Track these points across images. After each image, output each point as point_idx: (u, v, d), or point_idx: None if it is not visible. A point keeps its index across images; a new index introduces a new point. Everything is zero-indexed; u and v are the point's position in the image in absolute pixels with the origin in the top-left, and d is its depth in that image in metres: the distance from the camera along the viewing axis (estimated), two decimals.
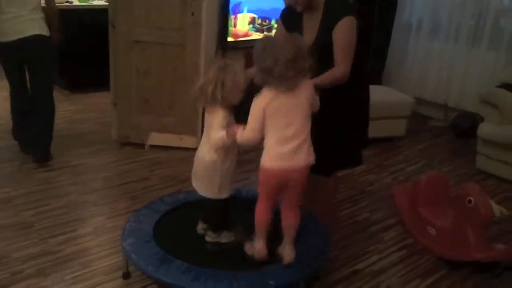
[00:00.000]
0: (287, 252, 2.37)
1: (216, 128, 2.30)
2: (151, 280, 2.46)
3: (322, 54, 2.46)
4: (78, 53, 5.36)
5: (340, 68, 2.52)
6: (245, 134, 2.23)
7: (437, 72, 5.27)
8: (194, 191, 2.53)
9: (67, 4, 5.32)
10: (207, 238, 2.58)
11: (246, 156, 3.71)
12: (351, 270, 2.74)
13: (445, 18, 5.17)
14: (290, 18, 2.69)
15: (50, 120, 3.75)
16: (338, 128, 2.70)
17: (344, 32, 2.51)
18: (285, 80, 2.13)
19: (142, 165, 3.82)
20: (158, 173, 3.71)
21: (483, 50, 4.89)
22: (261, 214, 2.35)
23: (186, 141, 4.04)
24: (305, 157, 2.25)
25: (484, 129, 4.02)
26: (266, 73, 2.14)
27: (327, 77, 2.50)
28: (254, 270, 2.32)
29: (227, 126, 2.29)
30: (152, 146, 4.11)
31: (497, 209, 2.78)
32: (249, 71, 2.41)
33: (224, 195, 2.45)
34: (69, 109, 4.94)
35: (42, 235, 2.84)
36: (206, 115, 2.39)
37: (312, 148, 2.29)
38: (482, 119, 4.24)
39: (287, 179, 2.27)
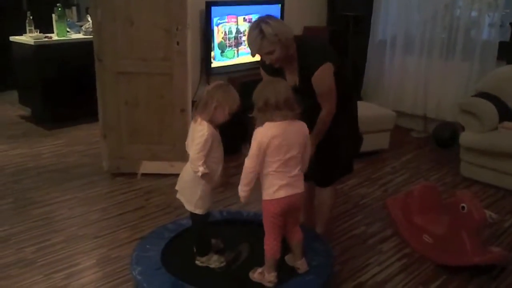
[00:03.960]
0: (302, 264, 2.56)
1: (196, 147, 2.41)
2: None
3: (305, 94, 2.61)
4: (60, 87, 5.38)
5: (325, 110, 2.69)
6: (248, 166, 2.36)
7: (414, 85, 5.44)
8: None
9: (46, 39, 5.33)
10: (196, 262, 2.64)
11: (232, 179, 3.80)
12: (355, 283, 2.80)
13: (418, 33, 5.35)
14: (270, 66, 2.75)
15: None
16: (335, 141, 2.81)
17: (321, 81, 2.64)
18: (285, 107, 2.30)
19: (136, 194, 3.84)
20: (153, 201, 3.74)
21: (457, 61, 5.08)
22: (273, 251, 2.44)
23: (177, 168, 4.02)
24: (302, 182, 2.44)
25: (466, 138, 4.17)
26: (266, 106, 2.30)
27: (321, 126, 2.70)
28: None
29: (213, 142, 2.43)
30: (143, 175, 4.14)
31: (487, 214, 2.90)
32: None
33: (200, 210, 2.54)
34: (55, 143, 4.93)
35: (46, 271, 2.83)
36: (191, 124, 2.51)
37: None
38: (461, 128, 4.39)
39: (292, 204, 2.41)
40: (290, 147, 2.33)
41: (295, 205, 2.43)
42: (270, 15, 2.65)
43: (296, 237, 2.53)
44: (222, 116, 2.45)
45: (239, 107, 2.49)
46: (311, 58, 2.65)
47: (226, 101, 2.43)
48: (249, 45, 2.61)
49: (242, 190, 2.39)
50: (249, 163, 2.35)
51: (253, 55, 2.65)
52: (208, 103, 2.43)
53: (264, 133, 2.31)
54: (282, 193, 2.35)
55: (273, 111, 2.30)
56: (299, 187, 2.41)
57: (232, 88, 2.52)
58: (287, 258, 2.61)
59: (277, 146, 2.30)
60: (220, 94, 2.43)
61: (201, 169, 2.39)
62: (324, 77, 2.63)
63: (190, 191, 2.53)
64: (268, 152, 2.31)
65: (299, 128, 2.39)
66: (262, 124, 2.34)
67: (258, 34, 2.52)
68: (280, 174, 2.34)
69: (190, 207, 2.55)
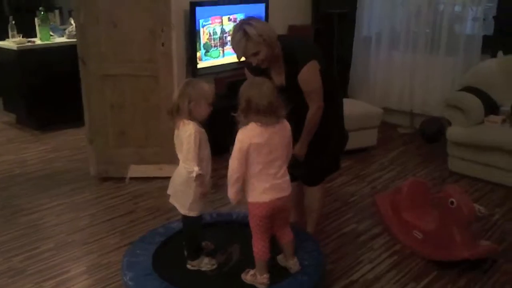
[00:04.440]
0: (294, 264, 2.56)
1: (186, 148, 2.39)
2: None
3: (292, 92, 2.58)
4: (44, 92, 5.33)
5: (313, 109, 2.69)
6: (230, 167, 2.34)
7: (400, 82, 5.45)
8: None
9: (29, 44, 5.27)
10: (188, 266, 2.63)
11: (222, 181, 3.80)
12: (347, 282, 2.80)
13: (402, 29, 5.37)
14: (256, 67, 2.71)
15: None
16: (322, 140, 2.81)
17: (308, 79, 2.64)
18: (267, 112, 2.26)
19: (125, 199, 3.81)
20: (142, 205, 3.71)
21: (442, 56, 5.10)
22: (262, 252, 2.44)
23: (166, 170, 4.03)
24: (289, 184, 2.43)
25: (453, 132, 4.19)
26: (248, 108, 2.27)
27: (311, 125, 2.70)
28: None
29: (199, 140, 2.40)
30: (132, 179, 4.11)
31: (476, 208, 2.91)
32: None
33: (194, 212, 2.53)
34: (41, 149, 4.88)
35: (36, 280, 2.80)
36: (175, 131, 2.48)
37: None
38: (448, 123, 4.42)
39: (278, 207, 2.40)
40: (273, 148, 2.32)
41: (281, 208, 2.42)
42: (252, 17, 2.64)
43: (287, 238, 2.52)
44: (203, 110, 2.43)
45: (214, 96, 2.48)
46: (297, 56, 2.64)
47: (199, 95, 2.41)
48: (234, 48, 2.59)
49: (230, 192, 2.38)
50: (232, 164, 2.34)
51: (239, 58, 2.63)
52: (182, 104, 2.40)
53: (246, 134, 2.30)
54: (267, 197, 2.34)
55: (256, 115, 2.28)
56: (285, 190, 2.40)
57: (199, 81, 2.50)
58: (279, 258, 2.61)
59: (258, 148, 2.29)
60: (191, 91, 2.41)
61: (196, 169, 2.37)
62: (310, 75, 2.63)
63: (183, 194, 2.51)
64: (250, 154, 2.30)
65: (282, 128, 2.37)
66: (245, 125, 2.32)
67: (242, 36, 2.51)
68: (264, 177, 2.33)
69: (184, 210, 2.53)
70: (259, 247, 2.42)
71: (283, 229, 2.52)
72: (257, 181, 2.34)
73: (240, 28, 2.53)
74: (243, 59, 2.64)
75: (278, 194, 2.37)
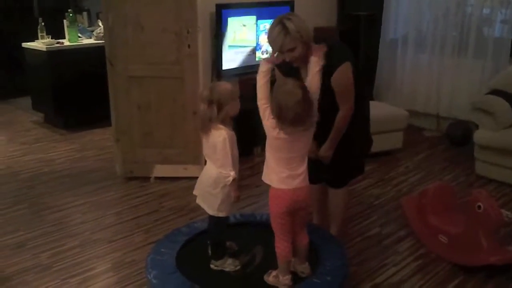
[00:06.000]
0: (305, 268, 2.56)
1: (222, 153, 2.40)
2: None
3: (322, 93, 2.52)
4: (72, 92, 5.43)
5: (344, 110, 2.67)
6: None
7: (427, 84, 5.40)
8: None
9: (58, 45, 5.37)
10: (212, 266, 2.64)
11: (245, 182, 3.81)
12: (371, 285, 2.78)
13: (430, 31, 5.32)
14: (286, 66, 2.70)
15: None
16: (348, 142, 2.79)
17: (342, 80, 2.62)
18: (299, 121, 2.25)
19: (150, 198, 3.85)
20: (167, 205, 3.74)
21: (470, 59, 5.03)
22: (285, 253, 2.44)
23: (190, 171, 4.08)
24: (307, 178, 2.41)
25: (481, 136, 4.12)
26: (280, 116, 2.26)
27: (340, 127, 2.68)
28: None
29: (232, 143, 2.42)
30: (157, 178, 4.15)
31: (504, 213, 2.86)
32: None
33: (223, 213, 2.55)
34: (69, 148, 4.97)
35: (62, 276, 2.84)
36: (204, 138, 2.49)
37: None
38: (475, 126, 4.35)
39: (297, 201, 2.38)
40: (292, 150, 2.33)
41: (300, 202, 2.39)
42: (290, 12, 2.62)
43: (303, 241, 2.52)
44: (232, 109, 2.45)
45: (237, 89, 2.49)
46: (332, 57, 2.60)
47: (223, 96, 2.42)
48: (272, 42, 2.54)
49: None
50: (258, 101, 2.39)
51: (274, 53, 2.60)
52: (212, 111, 2.40)
53: (269, 126, 2.33)
54: (284, 185, 2.35)
55: (282, 123, 2.27)
56: (304, 181, 2.38)
57: (220, 83, 2.51)
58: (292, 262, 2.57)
59: (278, 146, 2.32)
60: (213, 94, 2.41)
61: (232, 173, 2.40)
62: (344, 76, 2.61)
63: (211, 195, 2.52)
64: (270, 144, 2.34)
65: (304, 136, 2.37)
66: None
67: (281, 30, 2.47)
68: (283, 168, 2.34)
69: (212, 211, 2.54)
70: (281, 247, 2.42)
71: (300, 232, 2.52)
72: (277, 166, 2.35)
73: (279, 22, 2.49)
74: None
75: (297, 184, 2.35)
